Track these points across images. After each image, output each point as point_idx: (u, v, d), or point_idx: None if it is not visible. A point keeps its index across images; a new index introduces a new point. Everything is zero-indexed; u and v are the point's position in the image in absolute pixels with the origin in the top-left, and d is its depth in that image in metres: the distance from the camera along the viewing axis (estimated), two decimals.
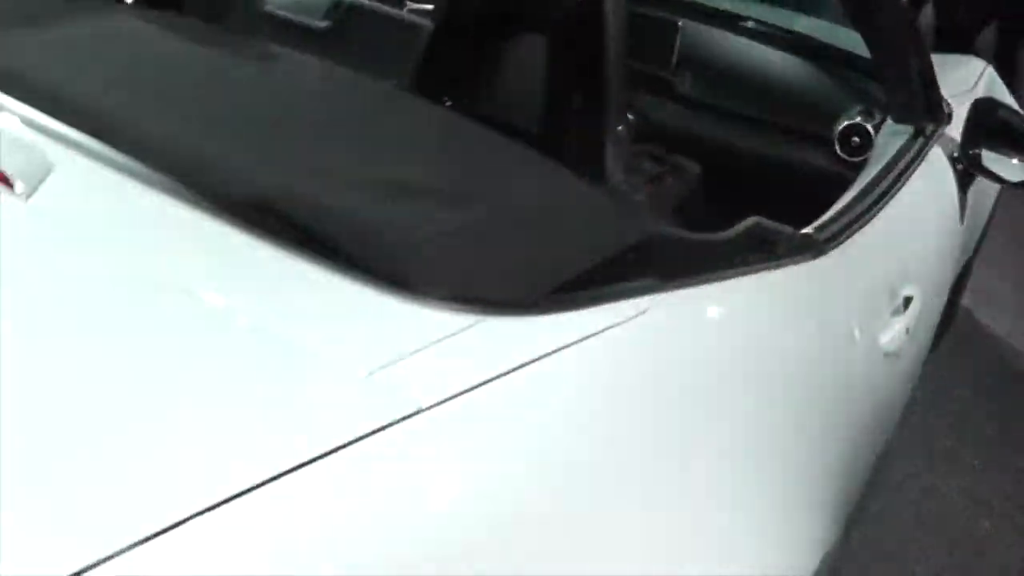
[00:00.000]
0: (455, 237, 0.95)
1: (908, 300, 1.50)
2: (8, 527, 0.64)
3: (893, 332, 1.42)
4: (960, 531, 2.37)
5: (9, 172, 0.92)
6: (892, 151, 1.74)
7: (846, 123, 2.08)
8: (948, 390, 2.82)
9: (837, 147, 2.05)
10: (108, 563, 0.62)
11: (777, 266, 1.17)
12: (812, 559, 1.03)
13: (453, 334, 0.83)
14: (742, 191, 1.58)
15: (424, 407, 0.76)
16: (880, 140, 1.92)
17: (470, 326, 0.84)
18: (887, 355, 1.40)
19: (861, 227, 1.40)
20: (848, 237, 1.34)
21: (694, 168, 1.64)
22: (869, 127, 2.05)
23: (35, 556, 0.63)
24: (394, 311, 0.85)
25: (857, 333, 1.31)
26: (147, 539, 0.63)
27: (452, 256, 0.93)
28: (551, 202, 1.05)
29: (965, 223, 1.96)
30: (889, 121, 1.88)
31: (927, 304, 1.61)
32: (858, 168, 1.78)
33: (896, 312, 1.45)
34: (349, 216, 0.94)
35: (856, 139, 2.05)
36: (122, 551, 0.63)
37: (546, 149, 1.09)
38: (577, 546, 0.81)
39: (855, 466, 1.33)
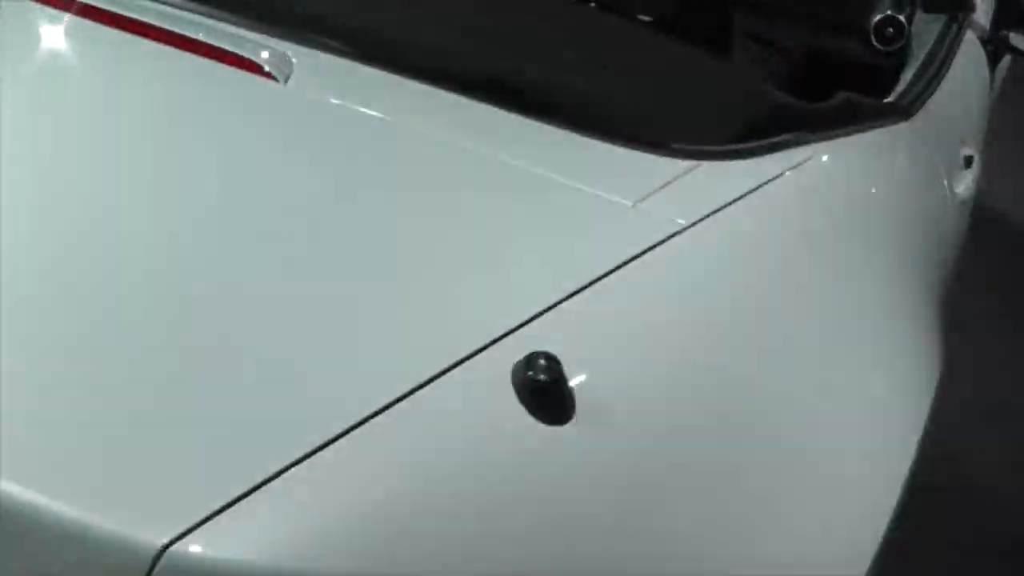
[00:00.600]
0: (665, 106, 1.24)
1: (968, 159, 1.72)
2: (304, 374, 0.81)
3: (964, 184, 1.65)
4: None
5: (264, 65, 1.13)
6: (933, 37, 1.95)
7: (880, 15, 2.27)
8: None
9: (872, 38, 2.25)
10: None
11: (879, 127, 1.40)
12: (931, 378, 1.17)
13: (685, 173, 1.09)
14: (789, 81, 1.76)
15: (685, 225, 1.01)
16: (914, 30, 2.13)
17: (695, 167, 1.10)
18: (962, 203, 1.64)
19: (931, 95, 1.61)
20: (923, 104, 1.56)
21: (798, 49, 1.85)
22: (902, 18, 2.25)
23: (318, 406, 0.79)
24: (634, 160, 1.10)
25: (946, 183, 1.54)
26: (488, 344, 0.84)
27: (666, 119, 1.20)
28: (718, 79, 1.38)
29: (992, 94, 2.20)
30: (919, 12, 2.10)
31: (978, 162, 1.85)
32: (894, 57, 1.99)
33: (962, 167, 1.69)
34: (590, 90, 1.21)
35: (891, 30, 2.23)
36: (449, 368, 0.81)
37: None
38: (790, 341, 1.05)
39: (944, 301, 1.57)
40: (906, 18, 2.23)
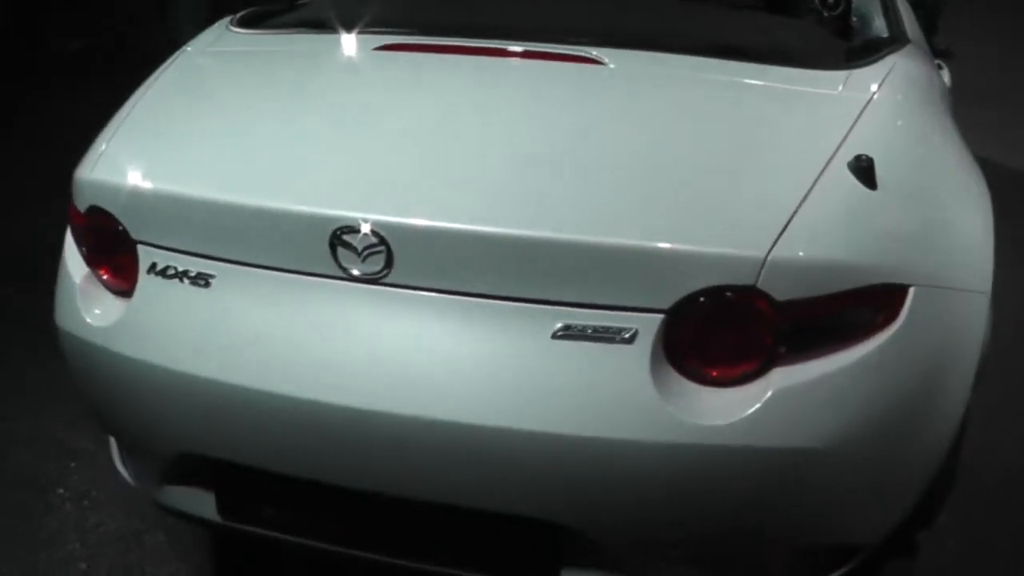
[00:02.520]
0: (805, 43, 2.17)
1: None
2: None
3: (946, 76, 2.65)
4: None
5: (595, 54, 1.96)
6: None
7: None
8: None
9: (819, 5, 2.35)
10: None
11: (904, 46, 2.20)
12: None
13: (847, 76, 1.90)
14: None
15: (874, 96, 1.84)
16: None
17: (848, 74, 1.92)
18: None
19: (903, 30, 2.42)
20: (906, 34, 2.38)
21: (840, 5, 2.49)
22: None
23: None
24: (809, 75, 1.92)
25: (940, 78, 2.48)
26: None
27: (808, 52, 2.07)
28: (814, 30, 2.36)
29: None
30: None
31: None
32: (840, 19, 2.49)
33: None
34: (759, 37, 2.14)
35: (831, 1, 2.34)
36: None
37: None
38: None
39: None
40: None
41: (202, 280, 1.70)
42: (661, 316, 1.51)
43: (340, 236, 1.58)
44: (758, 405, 1.51)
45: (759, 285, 1.49)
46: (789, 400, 1.52)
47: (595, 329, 1.52)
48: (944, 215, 1.80)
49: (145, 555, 2.32)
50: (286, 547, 2.12)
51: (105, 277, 1.85)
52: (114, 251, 1.82)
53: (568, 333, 1.53)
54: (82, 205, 1.84)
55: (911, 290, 1.60)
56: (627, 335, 1.51)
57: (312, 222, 1.60)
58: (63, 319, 1.89)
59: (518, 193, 1.61)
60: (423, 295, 1.59)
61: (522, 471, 1.56)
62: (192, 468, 1.82)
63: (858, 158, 1.62)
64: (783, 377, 1.53)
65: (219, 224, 1.68)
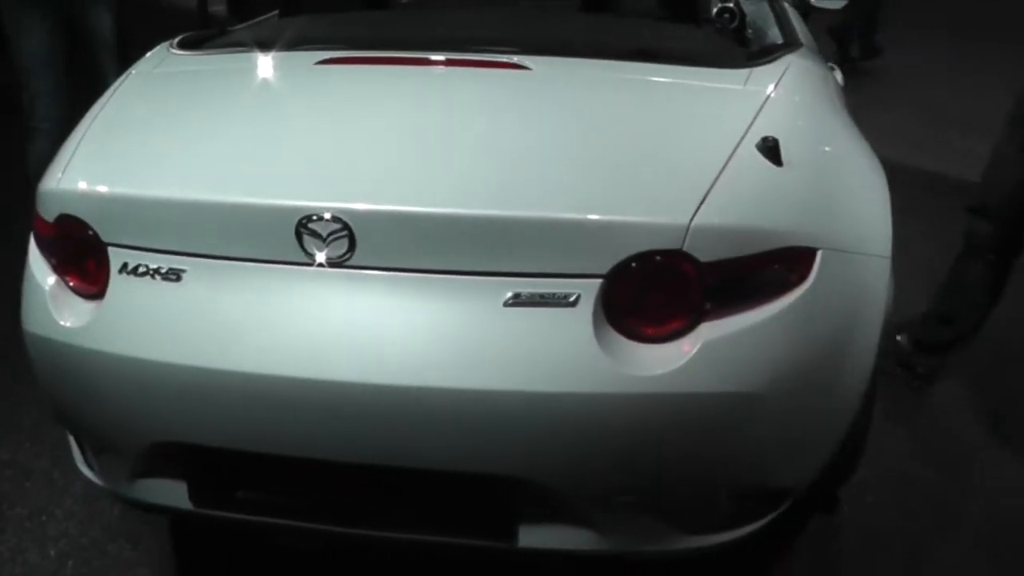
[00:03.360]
0: (707, 46, 2.38)
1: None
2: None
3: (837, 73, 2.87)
4: None
5: (520, 60, 2.14)
6: (764, 12, 2.50)
7: (719, 6, 2.60)
8: None
9: (717, 18, 2.58)
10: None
11: (796, 49, 2.45)
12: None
13: (749, 73, 2.13)
14: None
15: (773, 91, 2.04)
16: (746, 8, 2.55)
17: (749, 71, 2.14)
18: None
19: (794, 35, 2.81)
20: (797, 39, 2.75)
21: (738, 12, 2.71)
22: (732, 5, 2.59)
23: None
24: (714, 73, 2.13)
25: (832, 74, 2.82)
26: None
27: (711, 53, 2.29)
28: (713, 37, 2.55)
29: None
30: None
31: None
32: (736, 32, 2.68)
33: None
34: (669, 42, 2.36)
35: (727, 15, 2.56)
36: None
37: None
38: None
39: None
40: (735, 5, 2.58)
41: (173, 275, 1.81)
42: (600, 280, 1.68)
43: (305, 224, 1.71)
44: (690, 356, 1.69)
45: (684, 248, 1.68)
46: (717, 350, 1.70)
47: (542, 295, 1.69)
48: (844, 188, 2.02)
49: (109, 563, 2.38)
50: (253, 532, 2.22)
51: (74, 283, 1.94)
52: (84, 256, 1.91)
53: (518, 300, 1.69)
54: (50, 215, 1.94)
55: (819, 253, 1.81)
56: (571, 299, 1.68)
57: (278, 213, 1.73)
58: (33, 324, 1.96)
59: (466, 177, 1.77)
60: (384, 275, 1.73)
61: (482, 428, 1.69)
62: (163, 458, 1.90)
63: (764, 139, 1.83)
64: (711, 331, 1.71)
65: (188, 221, 1.79)
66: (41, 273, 1.99)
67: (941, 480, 2.61)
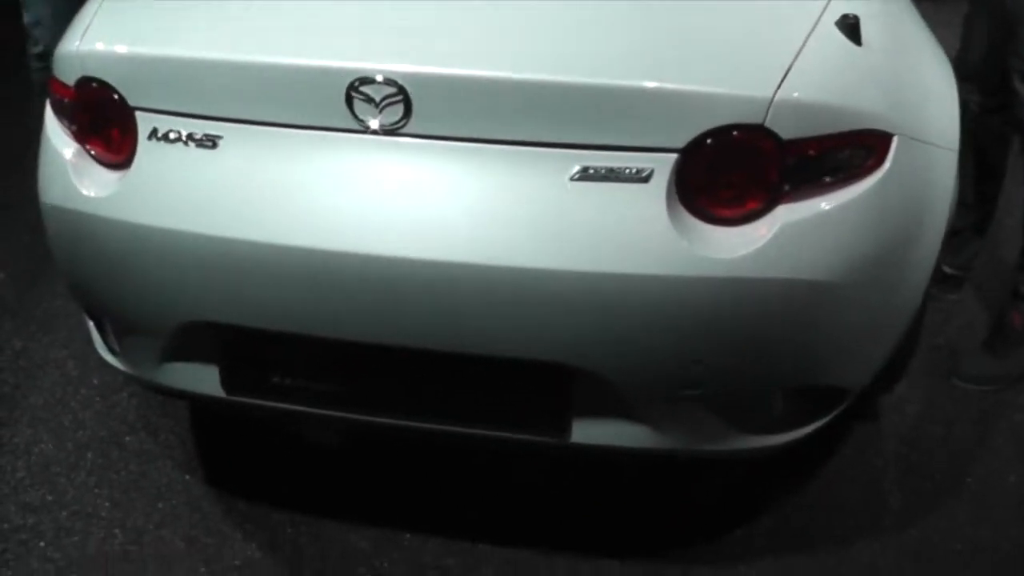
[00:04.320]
0: None
1: None
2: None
3: None
4: None
5: None
6: None
7: None
8: None
9: None
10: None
11: None
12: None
13: None
14: None
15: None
16: None
17: None
18: None
19: None
20: None
21: None
22: None
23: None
24: None
25: None
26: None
27: None
28: None
29: None
30: None
31: None
32: None
33: None
34: None
35: None
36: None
37: None
38: None
39: None
40: None
41: (209, 142, 1.65)
42: (675, 155, 1.54)
43: (357, 88, 1.55)
44: (766, 240, 1.56)
45: (766, 123, 1.54)
46: (794, 235, 1.57)
47: (612, 170, 1.54)
48: (918, 76, 1.87)
49: (129, 455, 2.25)
50: (285, 423, 2.09)
51: (97, 151, 1.77)
52: (108, 122, 1.74)
53: (586, 175, 1.54)
54: (70, 78, 1.76)
55: (895, 138, 1.67)
56: (643, 175, 1.53)
57: (327, 75, 1.57)
58: (52, 196, 1.80)
59: (535, 40, 1.60)
60: (442, 144, 1.57)
61: (543, 311, 1.56)
62: (194, 341, 1.77)
63: (845, 16, 1.67)
64: (787, 214, 1.58)
65: (227, 84, 1.63)
66: (60, 142, 1.82)
67: (980, 391, 2.50)
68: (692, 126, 1.53)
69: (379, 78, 1.54)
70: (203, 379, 1.81)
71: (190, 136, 1.65)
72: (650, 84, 1.53)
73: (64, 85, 1.78)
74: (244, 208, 1.62)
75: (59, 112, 1.83)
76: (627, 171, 1.54)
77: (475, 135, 1.56)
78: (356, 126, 1.58)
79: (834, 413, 1.89)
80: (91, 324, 2.06)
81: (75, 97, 1.76)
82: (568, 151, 1.55)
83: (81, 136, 1.79)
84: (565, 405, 1.69)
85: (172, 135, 1.66)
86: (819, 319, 1.65)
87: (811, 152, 1.58)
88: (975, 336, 2.64)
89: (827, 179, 1.60)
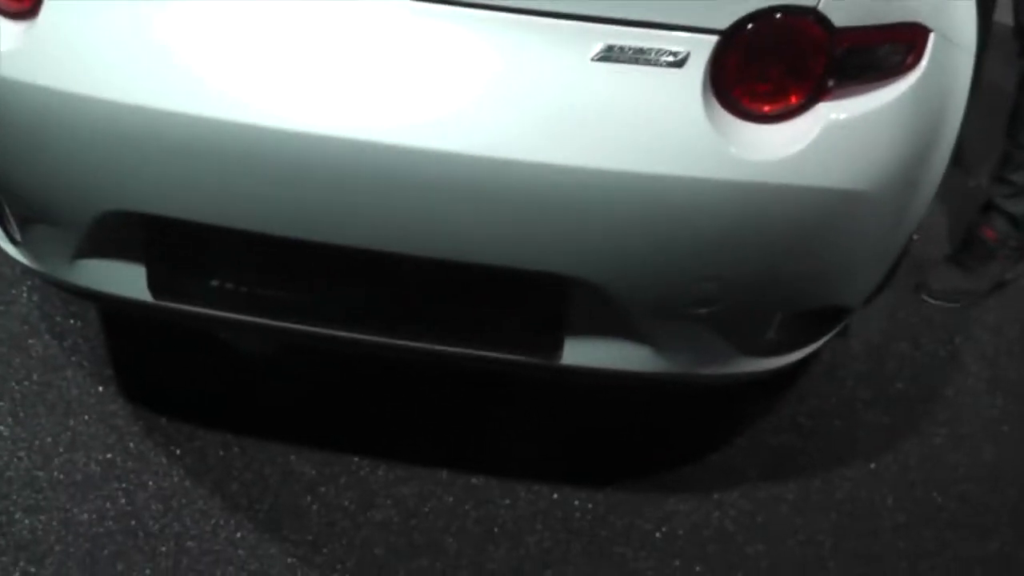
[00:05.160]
0: None
1: None
2: None
3: None
4: None
5: None
6: None
7: None
8: None
9: None
10: None
11: None
12: None
13: None
14: None
15: None
16: None
17: None
18: None
19: None
20: None
21: None
22: None
23: None
24: None
25: None
26: None
27: None
28: None
29: None
30: None
31: None
32: None
33: None
34: None
35: None
36: None
37: None
38: None
39: None
40: None
41: None
42: (715, 38, 1.28)
43: None
44: (808, 141, 1.32)
45: (820, 7, 1.30)
46: (837, 137, 1.35)
47: (642, 50, 1.27)
48: None
49: (32, 363, 1.91)
50: (225, 331, 1.79)
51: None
52: None
53: (611, 55, 1.27)
54: None
55: (931, 35, 1.45)
56: (677, 58, 1.27)
57: None
58: None
59: None
60: (437, 8, 1.27)
61: (552, 213, 1.31)
62: (116, 234, 1.44)
63: None
64: (830, 113, 1.35)
65: None
66: None
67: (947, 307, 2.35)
68: (738, 4, 1.27)
69: None
70: (125, 280, 1.49)
71: None
72: None
73: None
74: (182, 73, 1.29)
75: None
76: (659, 53, 1.27)
77: (482, 0, 1.25)
78: None
79: (832, 333, 1.70)
80: None
81: None
82: (591, 25, 1.27)
83: None
84: (557, 321, 1.44)
85: None
86: (849, 232, 1.45)
87: (859, 43, 1.35)
88: (941, 249, 2.49)
89: (870, 76, 1.38)
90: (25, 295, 2.04)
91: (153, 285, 1.48)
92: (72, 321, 1.99)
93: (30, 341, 1.95)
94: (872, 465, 1.91)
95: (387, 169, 1.27)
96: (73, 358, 1.92)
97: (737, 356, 1.55)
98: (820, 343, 1.69)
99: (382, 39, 1.28)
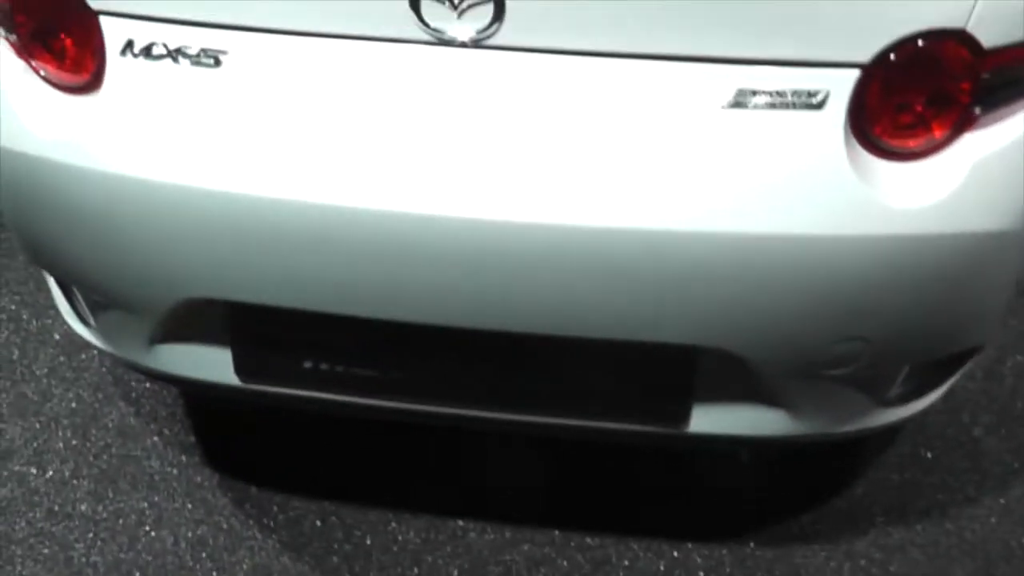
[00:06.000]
0: None
1: None
2: None
3: None
4: None
5: None
6: None
7: None
8: None
9: None
10: None
11: None
12: None
13: None
14: None
15: None
16: None
17: None
18: None
19: None
20: None
21: None
22: None
23: None
24: None
25: None
26: None
27: None
28: None
29: None
30: None
31: None
32: None
33: None
34: None
35: None
36: None
37: None
38: None
39: None
40: None
41: (209, 58, 1.14)
42: (856, 72, 1.09)
43: None
44: (960, 180, 1.16)
45: (969, 28, 1.10)
46: (988, 172, 1.18)
47: (778, 93, 1.09)
48: None
49: (108, 434, 1.79)
50: (315, 411, 1.64)
51: (50, 70, 1.24)
52: (62, 29, 1.22)
53: (744, 101, 1.10)
54: None
55: None
56: (816, 99, 1.09)
57: None
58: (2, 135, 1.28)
59: None
60: (545, 59, 1.10)
61: (686, 284, 1.15)
62: (198, 319, 1.30)
63: None
64: (976, 146, 1.17)
65: None
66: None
67: None
68: (882, 33, 1.09)
69: None
70: (208, 364, 1.36)
71: (181, 51, 1.15)
72: None
73: None
74: (263, 153, 1.13)
75: None
76: (796, 95, 1.09)
77: (589, 47, 1.08)
78: (424, 36, 1.09)
79: (960, 372, 1.52)
80: (51, 280, 1.56)
81: None
82: (721, 68, 1.09)
83: (25, 49, 1.25)
84: (686, 390, 1.28)
85: (156, 49, 1.16)
86: (995, 273, 1.28)
87: (1010, 64, 1.16)
88: None
89: (1015, 100, 1.19)
90: (96, 361, 1.91)
91: (241, 369, 1.34)
92: (148, 386, 1.86)
93: (105, 410, 1.82)
94: (1002, 500, 1.73)
95: (503, 248, 1.12)
96: (152, 426, 1.79)
97: (871, 410, 1.39)
98: (950, 384, 1.51)
99: (485, 103, 1.11)
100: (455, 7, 1.06)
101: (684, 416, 1.30)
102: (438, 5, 1.06)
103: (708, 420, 1.31)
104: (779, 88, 1.09)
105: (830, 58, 1.09)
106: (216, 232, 1.17)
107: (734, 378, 1.26)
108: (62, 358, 1.92)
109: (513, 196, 1.09)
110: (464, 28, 1.07)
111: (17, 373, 1.89)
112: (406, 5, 1.07)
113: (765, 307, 1.16)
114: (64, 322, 1.60)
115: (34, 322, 2.00)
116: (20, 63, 1.27)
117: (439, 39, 1.08)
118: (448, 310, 1.18)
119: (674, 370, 1.26)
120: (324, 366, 1.32)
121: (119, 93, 1.18)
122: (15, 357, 1.93)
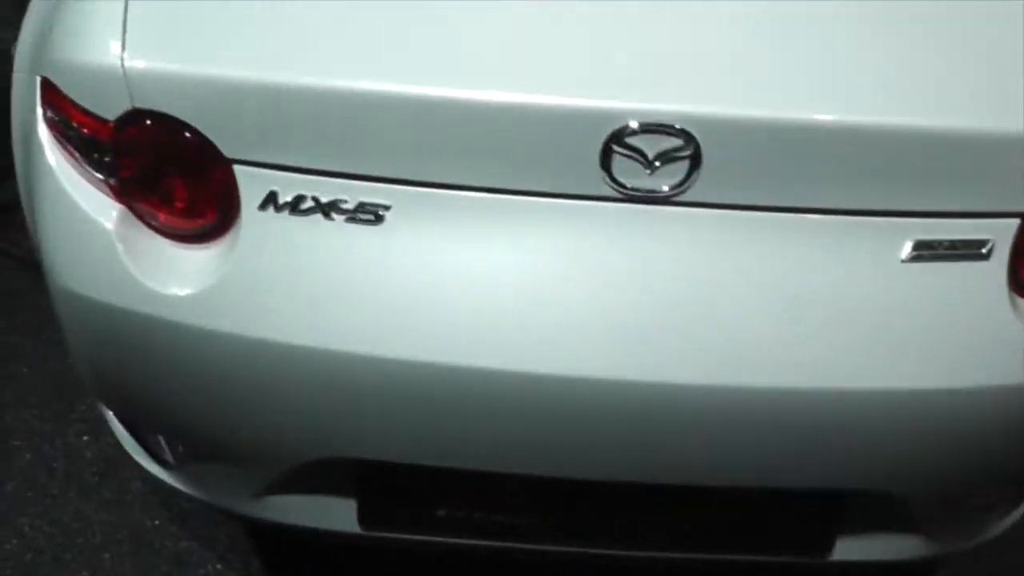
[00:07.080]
0: None
1: None
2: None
3: None
4: None
5: None
6: None
7: None
8: None
9: None
10: None
11: None
12: None
13: None
14: None
15: None
16: None
17: None
18: None
19: None
20: None
21: None
22: None
23: None
24: None
25: None
26: None
27: None
28: None
29: None
30: None
31: None
32: None
33: None
34: None
35: None
36: None
37: None
38: None
39: None
40: None
41: (368, 214, 1.03)
42: (1017, 221, 1.07)
43: (620, 139, 0.97)
44: None
45: None
46: None
47: (953, 244, 1.05)
48: None
49: (161, 561, 1.63)
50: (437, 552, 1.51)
51: (163, 220, 1.10)
52: (183, 178, 1.08)
53: (923, 253, 1.05)
54: (108, 109, 1.07)
55: None
56: (983, 248, 1.06)
57: (575, 119, 0.98)
58: (90, 285, 1.12)
59: (856, 69, 1.05)
60: (734, 215, 1.02)
61: (850, 438, 1.10)
62: (321, 476, 1.18)
63: None
64: None
65: (398, 126, 1.00)
66: (85, 199, 1.13)
67: None
68: None
69: (652, 122, 0.96)
70: (329, 514, 1.23)
71: (335, 205, 1.03)
72: (1007, 127, 1.02)
73: (99, 120, 1.08)
74: (429, 316, 1.02)
75: (84, 154, 1.13)
76: (967, 245, 1.06)
77: (780, 202, 1.02)
78: (612, 192, 1.00)
79: None
80: (112, 420, 1.40)
81: (124, 140, 1.08)
82: (899, 220, 1.05)
83: (128, 194, 1.11)
84: (832, 524, 1.22)
85: (305, 204, 1.03)
86: None
87: None
88: None
89: None
90: (139, 483, 1.74)
91: (365, 519, 1.22)
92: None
93: (157, 534, 1.66)
94: None
95: (683, 411, 1.05)
96: (210, 552, 1.64)
97: (997, 522, 1.37)
98: None
99: (677, 263, 1.03)
100: (648, 163, 0.98)
101: (829, 546, 1.25)
102: (630, 162, 0.98)
103: (850, 548, 1.26)
104: (955, 239, 1.05)
105: (992, 208, 1.06)
106: (373, 398, 1.05)
107: (882, 513, 1.21)
108: (97, 478, 1.75)
109: (698, 359, 1.02)
110: (657, 183, 1.00)
111: (47, 498, 1.71)
112: (596, 163, 0.98)
113: (932, 457, 1.12)
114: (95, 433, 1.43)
115: (58, 439, 1.82)
116: (119, 207, 1.12)
117: (628, 196, 1.00)
118: (612, 468, 1.10)
119: (823, 508, 1.21)
120: (459, 514, 1.22)
121: (258, 249, 1.05)
122: (41, 482, 1.74)
